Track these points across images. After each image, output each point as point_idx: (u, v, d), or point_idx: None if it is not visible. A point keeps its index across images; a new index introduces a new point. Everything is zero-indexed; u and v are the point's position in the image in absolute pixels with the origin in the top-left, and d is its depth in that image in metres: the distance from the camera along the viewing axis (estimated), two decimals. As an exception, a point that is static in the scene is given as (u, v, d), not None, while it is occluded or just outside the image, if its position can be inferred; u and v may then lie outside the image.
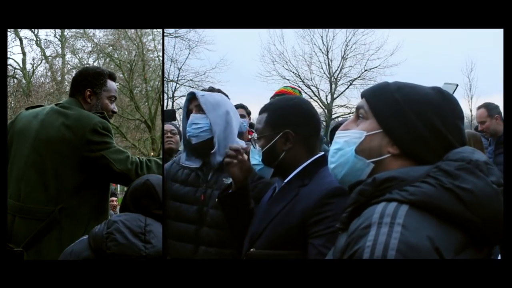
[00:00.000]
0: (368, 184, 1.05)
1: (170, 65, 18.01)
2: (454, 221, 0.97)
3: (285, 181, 1.67)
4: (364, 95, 1.21)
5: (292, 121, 1.67)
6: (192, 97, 2.23)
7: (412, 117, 1.11)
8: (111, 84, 2.49)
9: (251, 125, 4.52)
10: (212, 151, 2.12)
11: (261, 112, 1.74)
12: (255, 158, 1.70)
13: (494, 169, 1.03)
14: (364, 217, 0.99)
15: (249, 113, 4.57)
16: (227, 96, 2.92)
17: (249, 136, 4.20)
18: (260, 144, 1.68)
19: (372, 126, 1.15)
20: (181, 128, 2.84)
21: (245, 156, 1.74)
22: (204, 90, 2.96)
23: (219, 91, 2.92)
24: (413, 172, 1.03)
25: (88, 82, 2.42)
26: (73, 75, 2.56)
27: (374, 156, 1.13)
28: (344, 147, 1.17)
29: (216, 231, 2.02)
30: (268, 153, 1.67)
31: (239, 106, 4.47)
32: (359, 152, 1.14)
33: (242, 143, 1.85)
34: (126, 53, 17.65)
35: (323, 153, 1.71)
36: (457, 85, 1.91)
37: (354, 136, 1.16)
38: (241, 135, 4.35)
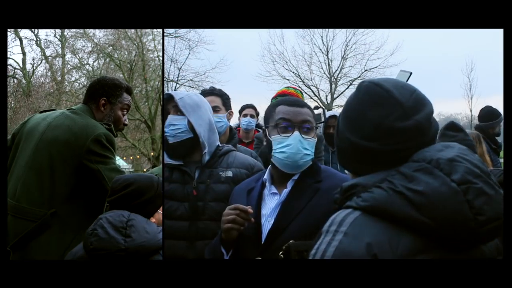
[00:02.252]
0: (338, 192, 1.10)
1: (170, 65, 18.02)
2: (406, 224, 0.95)
3: (295, 178, 1.77)
4: None
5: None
6: (169, 98, 2.24)
7: (335, 134, 1.19)
8: (127, 97, 2.51)
9: (258, 125, 4.55)
10: (204, 151, 2.17)
11: (305, 106, 1.84)
12: (307, 148, 1.78)
13: (461, 165, 0.98)
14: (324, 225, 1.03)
15: (258, 114, 4.62)
16: (228, 96, 2.93)
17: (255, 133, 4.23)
18: (313, 135, 1.80)
19: None
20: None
21: (250, 218, 1.71)
22: (204, 90, 2.97)
23: (219, 91, 2.92)
24: (374, 178, 1.03)
25: (105, 91, 2.43)
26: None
27: None
28: None
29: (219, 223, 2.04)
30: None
31: (249, 106, 4.51)
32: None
33: (245, 207, 1.73)
34: (126, 53, 17.66)
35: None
36: (411, 73, 1.92)
37: None
38: (247, 133, 4.40)
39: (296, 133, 1.77)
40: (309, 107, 1.85)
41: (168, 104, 2.22)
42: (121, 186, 1.84)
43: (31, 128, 2.36)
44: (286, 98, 1.91)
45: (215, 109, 2.78)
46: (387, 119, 1.05)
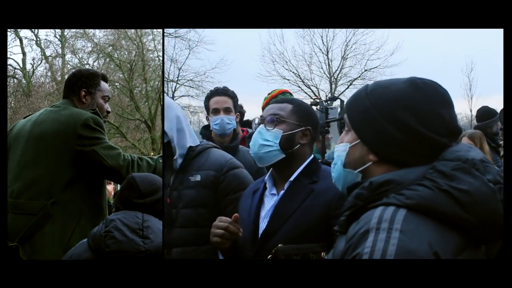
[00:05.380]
0: (364, 188, 1.05)
1: (170, 65, 18.00)
2: (452, 223, 0.97)
3: (291, 179, 1.73)
4: (345, 105, 1.21)
5: (312, 122, 1.81)
6: None
7: (382, 122, 1.08)
8: (104, 84, 2.55)
9: (245, 124, 4.45)
10: (174, 158, 2.11)
11: (279, 102, 1.82)
12: (268, 139, 1.74)
13: (490, 167, 1.03)
14: (363, 222, 0.99)
15: (242, 113, 4.44)
16: (238, 99, 2.92)
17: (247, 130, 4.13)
18: (281, 128, 1.74)
19: (353, 137, 1.15)
20: None
21: (239, 232, 1.67)
22: (218, 88, 2.93)
23: (232, 93, 2.90)
24: (409, 175, 1.03)
25: (83, 82, 2.47)
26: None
27: (359, 166, 1.14)
28: (337, 162, 1.19)
29: (191, 229, 2.02)
30: (287, 138, 1.74)
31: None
32: (346, 165, 1.16)
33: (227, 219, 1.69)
34: (126, 53, 17.64)
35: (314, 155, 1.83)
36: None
37: (341, 150, 1.18)
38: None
39: (260, 125, 1.78)
40: (294, 102, 1.81)
41: None
42: (152, 190, 1.80)
43: (17, 132, 2.39)
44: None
45: (227, 110, 2.78)
46: (455, 119, 1.11)
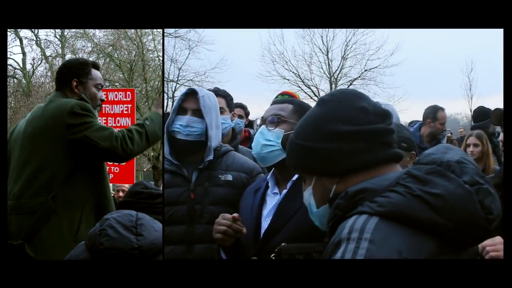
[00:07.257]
0: (342, 198, 1.06)
1: (170, 65, 17.99)
2: (427, 228, 0.95)
3: (294, 178, 1.73)
4: (286, 160, 1.27)
5: None
6: (190, 93, 2.16)
7: (316, 146, 1.12)
8: (96, 72, 2.50)
9: (248, 124, 4.48)
10: (208, 158, 2.11)
11: (280, 102, 1.85)
12: (270, 139, 1.75)
13: (468, 167, 1.00)
14: (337, 232, 0.99)
15: (247, 114, 4.52)
16: (232, 97, 2.92)
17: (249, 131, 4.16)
18: (283, 127, 1.75)
19: (309, 179, 1.19)
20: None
21: (242, 229, 1.69)
22: (209, 90, 2.95)
23: (224, 92, 2.90)
24: (383, 181, 1.02)
25: (73, 73, 2.43)
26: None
27: (328, 196, 1.14)
28: (311, 209, 1.21)
29: None
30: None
31: (238, 105, 4.42)
32: (319, 204, 1.18)
33: (230, 215, 1.73)
34: (126, 53, 17.64)
35: None
36: None
37: (307, 196, 1.20)
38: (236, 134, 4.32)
39: (262, 126, 1.79)
40: (294, 102, 1.83)
41: (188, 100, 2.16)
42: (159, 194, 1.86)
43: (17, 131, 2.41)
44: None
45: (220, 110, 2.78)
46: (377, 105, 1.17)
